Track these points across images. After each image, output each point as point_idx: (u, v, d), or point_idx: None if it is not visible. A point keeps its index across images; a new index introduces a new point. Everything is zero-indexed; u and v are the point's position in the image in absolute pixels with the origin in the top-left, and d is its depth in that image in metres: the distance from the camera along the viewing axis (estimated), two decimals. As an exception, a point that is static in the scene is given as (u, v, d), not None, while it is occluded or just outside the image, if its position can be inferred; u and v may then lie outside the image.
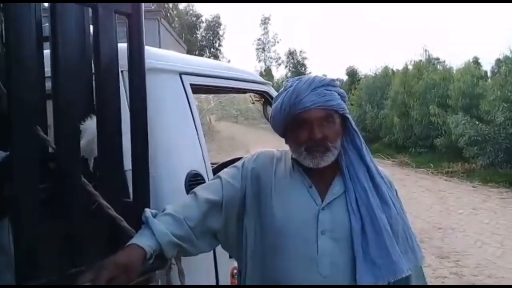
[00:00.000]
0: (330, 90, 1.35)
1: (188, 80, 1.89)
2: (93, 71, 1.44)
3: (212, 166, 2.66)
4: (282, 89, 1.43)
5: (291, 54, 43.79)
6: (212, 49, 31.52)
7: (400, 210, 1.39)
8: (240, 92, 2.57)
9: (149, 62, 1.74)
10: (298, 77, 1.44)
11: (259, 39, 40.30)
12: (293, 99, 1.34)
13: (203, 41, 30.61)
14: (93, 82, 1.46)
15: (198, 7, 35.43)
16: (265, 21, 37.21)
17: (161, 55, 1.86)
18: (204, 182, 1.84)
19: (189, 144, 1.84)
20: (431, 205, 8.75)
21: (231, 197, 1.42)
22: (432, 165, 13.89)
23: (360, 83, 25.03)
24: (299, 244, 1.33)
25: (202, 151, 1.88)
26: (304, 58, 44.30)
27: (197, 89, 2.03)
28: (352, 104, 23.43)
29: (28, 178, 1.11)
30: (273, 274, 1.35)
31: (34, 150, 1.14)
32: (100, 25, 1.34)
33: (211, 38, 31.98)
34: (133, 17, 1.44)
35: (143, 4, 1.47)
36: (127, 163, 1.51)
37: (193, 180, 1.79)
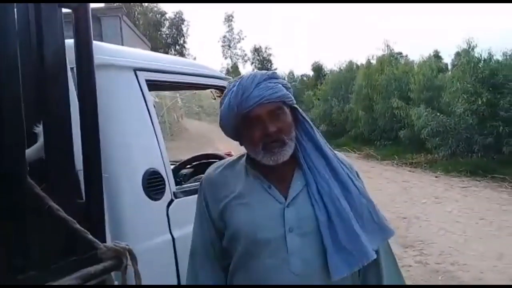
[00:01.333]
0: (274, 83, 1.33)
1: (143, 76, 1.85)
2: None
3: (175, 164, 2.61)
4: (225, 91, 1.39)
5: (256, 50, 43.86)
6: (177, 47, 31.17)
7: (362, 189, 1.38)
8: (200, 88, 2.53)
9: (101, 57, 1.70)
10: (239, 76, 1.41)
11: (224, 37, 40.19)
12: (239, 97, 1.31)
13: (168, 38, 30.21)
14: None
15: (163, 5, 34.78)
16: (228, 19, 37.14)
17: (114, 50, 1.80)
18: (163, 180, 1.81)
19: (146, 142, 1.80)
20: (395, 196, 8.94)
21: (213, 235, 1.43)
22: (396, 157, 14.23)
23: (325, 78, 25.34)
24: (269, 247, 1.31)
25: (160, 149, 1.84)
26: (269, 55, 44.45)
27: (155, 85, 1.99)
28: (318, 99, 23.73)
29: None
30: (251, 279, 1.34)
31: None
32: (43, 20, 1.28)
33: (176, 36, 31.60)
34: (79, 11, 1.38)
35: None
36: (80, 163, 1.46)
37: (151, 179, 1.75)
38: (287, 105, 1.35)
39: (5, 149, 1.17)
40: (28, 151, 1.27)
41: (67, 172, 1.38)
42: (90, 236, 1.33)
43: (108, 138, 1.65)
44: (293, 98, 1.37)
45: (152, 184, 1.75)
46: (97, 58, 1.65)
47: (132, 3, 28.20)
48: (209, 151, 2.73)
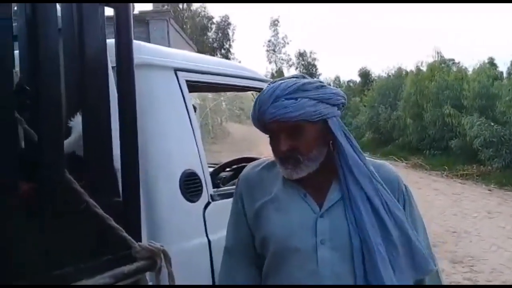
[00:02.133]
0: (296, 98, 1.22)
1: (183, 76, 1.84)
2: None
3: (214, 167, 2.60)
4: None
5: (301, 55, 43.66)
6: (222, 50, 31.55)
7: (400, 219, 1.27)
8: (241, 90, 2.51)
9: (141, 57, 1.70)
10: (274, 80, 1.34)
11: (269, 41, 40.26)
12: (257, 109, 1.27)
13: (214, 42, 30.67)
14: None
15: (211, 9, 35.44)
16: (274, 23, 37.16)
17: (155, 50, 1.81)
18: (200, 182, 1.79)
19: (184, 143, 1.79)
20: (445, 208, 8.59)
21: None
22: (446, 167, 13.68)
23: (373, 84, 24.86)
24: (299, 257, 1.26)
25: (198, 150, 1.82)
26: (314, 60, 44.14)
27: (195, 86, 1.98)
28: (364, 105, 23.28)
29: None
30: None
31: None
32: (85, 18, 1.29)
33: (221, 40, 32.02)
34: (121, 9, 1.39)
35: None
36: (119, 163, 1.46)
37: (189, 180, 1.74)
38: (312, 122, 1.24)
39: (44, 143, 1.19)
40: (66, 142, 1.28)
41: (105, 170, 1.39)
42: (125, 234, 1.32)
43: (146, 138, 1.65)
44: (322, 112, 1.24)
45: (189, 185, 1.73)
46: (138, 57, 1.66)
47: (180, 7, 28.87)
48: (251, 155, 2.70)
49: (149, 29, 10.45)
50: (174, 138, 1.75)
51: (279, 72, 40.58)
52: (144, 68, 1.70)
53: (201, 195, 1.79)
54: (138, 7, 11.39)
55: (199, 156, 1.82)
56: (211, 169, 2.48)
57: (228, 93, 4.06)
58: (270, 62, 43.38)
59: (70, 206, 1.24)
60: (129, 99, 1.42)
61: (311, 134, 1.25)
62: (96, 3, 1.33)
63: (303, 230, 1.27)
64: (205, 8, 31.15)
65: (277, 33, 38.03)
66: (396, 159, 16.36)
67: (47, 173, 1.19)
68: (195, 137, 1.82)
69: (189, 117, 1.82)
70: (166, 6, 14.03)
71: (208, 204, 1.81)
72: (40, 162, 1.18)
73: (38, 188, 1.18)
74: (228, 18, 32.26)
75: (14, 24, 1.39)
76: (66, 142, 1.37)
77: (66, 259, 1.23)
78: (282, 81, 1.28)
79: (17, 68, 1.33)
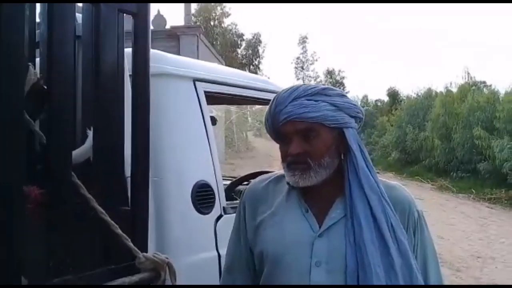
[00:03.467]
0: (316, 100, 1.19)
1: (202, 87, 1.82)
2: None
3: (232, 180, 2.57)
4: None
5: (329, 73, 43.53)
6: (251, 67, 31.78)
7: (404, 247, 1.18)
8: (263, 103, 2.48)
9: (160, 66, 1.70)
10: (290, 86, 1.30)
11: (297, 58, 40.30)
12: (272, 110, 1.22)
13: (243, 59, 30.96)
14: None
15: (241, 26, 35.86)
16: (303, 40, 37.21)
17: (174, 60, 1.81)
18: (213, 194, 1.76)
19: (199, 153, 1.76)
20: (471, 233, 8.28)
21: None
22: (474, 190, 13.26)
23: (401, 104, 24.55)
24: (292, 277, 1.20)
25: (213, 162, 1.79)
26: (342, 78, 43.86)
27: (215, 97, 1.96)
28: (392, 125, 22.95)
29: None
30: None
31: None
32: (102, 24, 1.29)
33: (251, 56, 32.29)
34: (139, 17, 1.38)
35: (150, 4, 1.41)
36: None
37: (201, 191, 1.71)
38: (328, 128, 1.20)
39: (51, 146, 1.18)
40: (74, 152, 1.27)
41: (115, 177, 1.37)
42: (131, 244, 1.30)
43: (160, 146, 1.64)
44: (339, 120, 1.20)
45: (202, 197, 1.70)
46: (156, 67, 1.65)
47: (212, 24, 29.29)
48: (272, 169, 2.66)
49: (179, 44, 10.61)
50: (189, 148, 1.73)
51: (306, 89, 40.19)
52: (162, 77, 1.70)
53: (213, 207, 1.75)
54: (170, 22, 11.56)
55: (214, 167, 1.79)
56: (228, 182, 2.46)
57: (254, 107, 4.03)
58: (297, 79, 43.36)
59: (76, 211, 1.22)
60: (143, 107, 1.41)
61: (325, 140, 1.20)
62: (114, 11, 1.33)
63: (299, 249, 1.20)
64: (236, 25, 31.53)
65: (306, 50, 38.08)
66: (422, 180, 15.98)
67: (53, 177, 1.18)
68: (210, 148, 1.79)
69: (206, 128, 1.80)
70: (197, 22, 14.30)
71: (220, 217, 1.78)
72: (46, 165, 1.17)
73: (44, 192, 1.18)
74: (260, 35, 32.54)
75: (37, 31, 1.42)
76: (80, 149, 1.37)
77: (67, 266, 1.21)
78: (300, 84, 1.25)
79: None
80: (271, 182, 1.34)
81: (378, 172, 1.33)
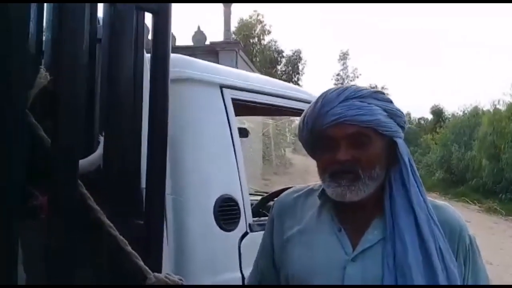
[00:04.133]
0: (368, 103, 1.05)
1: (229, 94, 1.71)
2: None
3: (263, 195, 2.43)
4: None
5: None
6: (291, 83, 31.72)
7: (454, 275, 1.02)
8: (296, 114, 2.33)
9: (185, 71, 1.61)
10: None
11: (338, 74, 39.84)
12: (316, 111, 1.07)
13: (282, 75, 30.91)
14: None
15: (281, 43, 35.89)
16: (343, 56, 36.67)
17: (200, 65, 1.70)
18: (238, 209, 1.62)
19: (224, 165, 1.64)
20: (523, 259, 7.73)
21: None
22: (525, 214, 12.52)
23: (446, 122, 23.78)
24: None
25: (239, 174, 1.66)
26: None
27: (242, 105, 1.83)
28: (436, 144, 22.23)
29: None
30: None
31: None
32: (118, 24, 1.20)
33: (291, 73, 32.18)
34: (159, 16, 1.29)
35: (171, 4, 1.31)
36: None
37: (225, 206, 1.58)
38: (380, 134, 1.06)
39: (57, 153, 1.08)
40: (83, 162, 1.17)
41: (127, 188, 1.26)
42: (141, 263, 1.18)
43: (182, 156, 1.53)
44: (393, 128, 1.07)
45: (225, 212, 1.57)
46: (181, 71, 1.56)
47: (251, 41, 29.54)
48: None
49: (218, 60, 10.69)
50: (213, 158, 1.62)
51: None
52: (186, 83, 1.60)
53: (238, 223, 1.62)
54: (210, 38, 11.69)
55: (240, 180, 1.66)
56: (259, 197, 2.32)
57: (293, 123, 3.87)
58: (337, 96, 42.78)
59: (80, 224, 1.12)
60: (160, 115, 1.30)
61: (376, 148, 1.05)
62: (132, 9, 1.24)
63: (328, 273, 1.06)
64: (276, 42, 31.58)
65: (346, 66, 37.59)
66: (469, 201, 15.26)
67: (58, 185, 1.08)
68: (236, 160, 1.67)
69: (232, 138, 1.68)
70: (236, 38, 14.40)
71: (245, 234, 1.64)
72: (51, 172, 1.07)
73: (49, 201, 1.08)
74: (300, 52, 32.42)
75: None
76: (90, 157, 1.28)
77: (77, 279, 1.10)
78: (349, 85, 1.11)
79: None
80: (302, 195, 1.20)
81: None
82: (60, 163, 1.07)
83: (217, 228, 1.55)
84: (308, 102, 2.13)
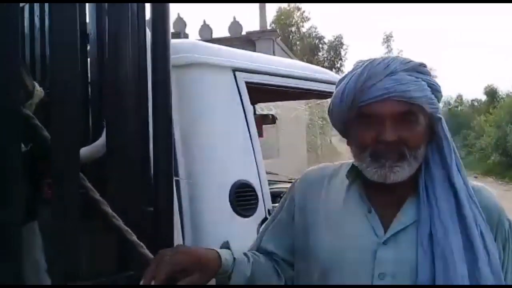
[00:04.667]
0: (417, 77, 0.97)
1: (242, 77, 1.67)
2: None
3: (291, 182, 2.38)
4: (348, 71, 1.06)
5: (418, 72, 41.48)
6: (333, 70, 31.09)
7: (495, 259, 0.95)
8: (319, 97, 2.26)
9: (195, 56, 1.59)
10: (371, 58, 1.05)
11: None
12: (359, 84, 0.97)
13: (324, 62, 30.42)
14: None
15: (321, 29, 35.34)
16: (387, 39, 35.54)
17: (209, 48, 1.67)
18: (255, 195, 1.58)
19: (239, 150, 1.61)
20: None
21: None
22: None
23: (501, 102, 22.65)
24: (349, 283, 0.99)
25: (256, 159, 1.62)
26: (434, 76, 41.58)
27: (255, 88, 1.78)
28: (490, 125, 21.24)
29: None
30: None
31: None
32: (110, 10, 1.18)
33: (333, 59, 31.64)
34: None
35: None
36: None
37: (241, 191, 1.55)
38: (425, 112, 0.98)
39: (58, 147, 1.08)
40: (83, 150, 1.17)
41: (133, 175, 1.25)
42: (146, 251, 1.16)
43: (197, 142, 1.51)
44: (437, 105, 1.01)
45: (242, 198, 1.54)
46: (191, 56, 1.54)
47: (289, 29, 29.29)
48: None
49: (255, 49, 10.66)
50: (228, 144, 1.59)
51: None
52: (195, 68, 1.57)
53: (256, 209, 1.58)
54: (246, 28, 11.67)
55: (257, 166, 1.62)
56: (285, 184, 2.27)
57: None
58: (382, 80, 41.79)
59: (84, 216, 1.12)
60: (163, 99, 1.28)
61: (422, 126, 0.98)
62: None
63: (358, 257, 0.99)
64: (316, 28, 31.15)
65: (391, 49, 36.48)
66: (526, 185, 14.48)
67: (58, 177, 1.08)
68: (252, 144, 1.63)
69: (247, 123, 1.64)
70: (272, 25, 14.28)
71: (264, 220, 1.60)
72: (51, 165, 1.08)
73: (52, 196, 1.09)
74: (342, 38, 31.77)
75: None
76: (92, 145, 1.28)
77: (85, 271, 1.11)
78: (393, 56, 1.03)
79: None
80: (329, 173, 1.13)
81: (476, 177, 1.08)
82: (60, 154, 1.08)
83: (234, 214, 1.52)
84: (329, 83, 2.06)
